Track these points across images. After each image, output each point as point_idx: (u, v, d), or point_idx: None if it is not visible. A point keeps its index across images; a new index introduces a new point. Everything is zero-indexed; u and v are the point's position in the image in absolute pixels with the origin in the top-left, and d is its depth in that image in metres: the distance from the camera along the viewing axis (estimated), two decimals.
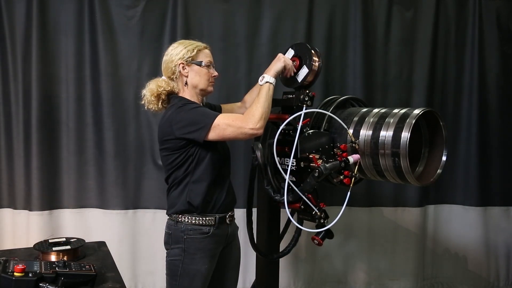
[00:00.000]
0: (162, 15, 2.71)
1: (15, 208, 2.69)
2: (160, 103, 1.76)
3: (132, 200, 2.76)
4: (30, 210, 2.65)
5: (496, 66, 3.02)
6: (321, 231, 1.73)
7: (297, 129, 1.70)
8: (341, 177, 1.67)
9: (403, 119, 1.66)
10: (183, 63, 1.73)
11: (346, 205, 1.62)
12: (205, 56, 1.77)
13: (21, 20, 2.60)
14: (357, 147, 1.72)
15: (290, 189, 1.70)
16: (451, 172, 3.02)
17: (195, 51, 1.74)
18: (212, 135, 1.61)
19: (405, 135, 1.62)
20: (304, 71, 1.78)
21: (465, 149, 3.03)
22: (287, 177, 1.67)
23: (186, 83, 1.75)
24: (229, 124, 1.60)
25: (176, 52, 1.74)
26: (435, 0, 2.92)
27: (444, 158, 1.79)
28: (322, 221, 1.74)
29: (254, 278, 2.27)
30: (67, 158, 2.70)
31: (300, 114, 1.70)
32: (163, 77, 1.80)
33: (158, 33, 2.71)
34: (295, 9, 2.81)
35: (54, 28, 2.64)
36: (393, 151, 1.65)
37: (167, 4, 2.70)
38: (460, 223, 3.07)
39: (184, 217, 1.71)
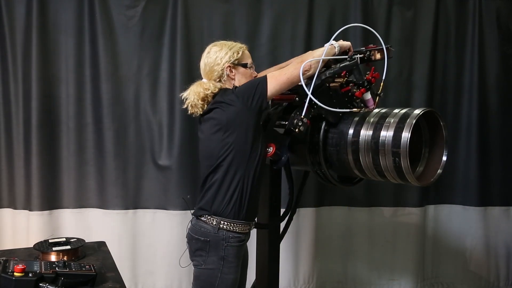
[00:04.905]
0: (162, 15, 2.71)
1: (15, 208, 2.69)
2: (206, 106, 1.70)
3: (132, 200, 2.76)
4: (30, 210, 2.65)
5: (496, 66, 3.02)
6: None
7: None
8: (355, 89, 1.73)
9: (403, 119, 1.66)
10: (230, 66, 1.71)
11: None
12: (248, 57, 1.77)
13: (21, 20, 2.59)
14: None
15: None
16: (451, 172, 3.01)
17: (240, 52, 1.73)
18: (271, 86, 1.62)
19: (406, 135, 1.62)
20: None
21: (465, 149, 3.03)
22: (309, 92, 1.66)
23: (235, 87, 1.69)
24: (280, 72, 1.66)
25: (221, 55, 1.71)
26: (435, 0, 2.92)
27: (444, 158, 1.79)
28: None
29: (254, 278, 2.27)
30: (67, 158, 2.70)
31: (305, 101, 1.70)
32: (205, 81, 1.74)
33: (158, 33, 2.71)
34: (295, 9, 2.81)
35: (54, 28, 2.64)
36: (393, 151, 1.65)
37: (167, 4, 2.70)
38: (460, 223, 3.07)
39: (225, 224, 1.63)
